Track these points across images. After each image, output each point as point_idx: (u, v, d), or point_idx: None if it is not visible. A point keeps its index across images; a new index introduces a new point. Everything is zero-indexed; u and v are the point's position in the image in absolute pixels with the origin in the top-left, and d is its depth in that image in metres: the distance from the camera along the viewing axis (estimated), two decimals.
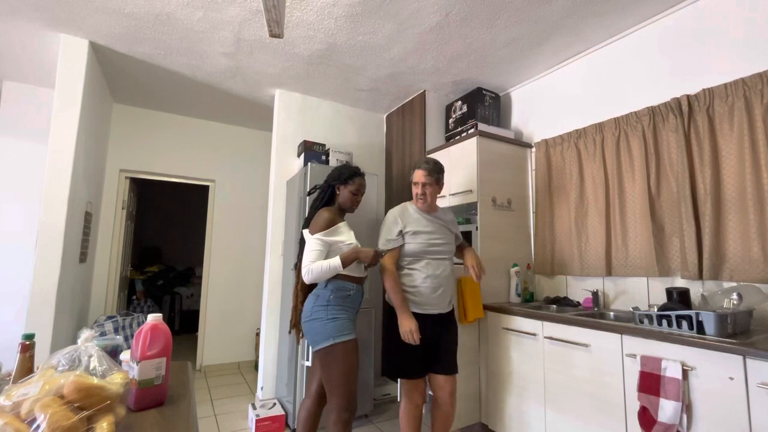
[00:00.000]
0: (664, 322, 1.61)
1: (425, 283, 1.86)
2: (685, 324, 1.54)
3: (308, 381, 1.89)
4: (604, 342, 1.75)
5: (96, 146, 3.01)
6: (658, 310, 1.66)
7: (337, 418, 1.65)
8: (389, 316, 1.92)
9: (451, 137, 2.99)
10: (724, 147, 1.83)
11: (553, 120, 2.70)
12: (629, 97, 2.26)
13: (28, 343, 0.95)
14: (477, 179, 2.51)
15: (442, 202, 2.77)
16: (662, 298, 1.94)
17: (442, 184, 1.97)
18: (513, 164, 2.75)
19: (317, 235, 1.71)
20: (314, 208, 1.88)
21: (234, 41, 2.47)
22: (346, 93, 3.20)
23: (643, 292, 2.12)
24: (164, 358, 0.97)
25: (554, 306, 2.38)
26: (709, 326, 1.47)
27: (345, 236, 1.78)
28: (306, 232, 1.81)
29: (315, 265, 1.65)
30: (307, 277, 1.66)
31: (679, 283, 1.95)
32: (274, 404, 2.64)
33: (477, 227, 2.49)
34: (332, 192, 1.89)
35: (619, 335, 1.69)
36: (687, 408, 1.44)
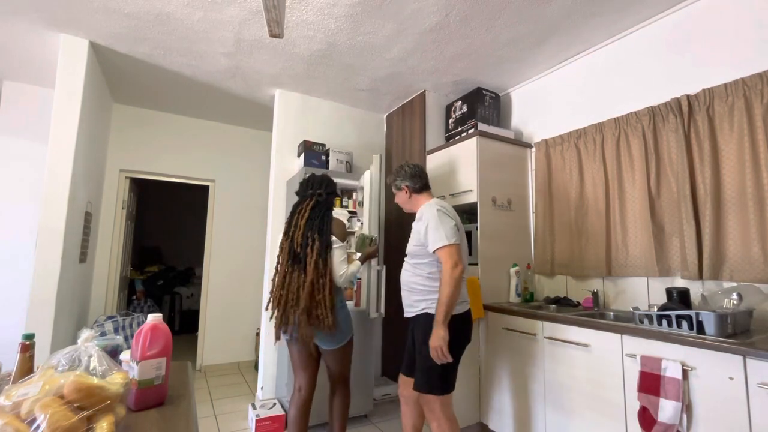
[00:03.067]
0: (664, 322, 1.61)
1: None
2: (685, 324, 1.54)
3: (299, 377, 1.93)
4: (604, 342, 1.75)
5: (96, 146, 3.01)
6: (658, 310, 1.66)
7: (347, 399, 1.97)
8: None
9: (451, 137, 2.99)
10: (724, 147, 1.83)
11: (553, 120, 2.70)
12: (629, 97, 2.26)
13: (28, 343, 0.96)
14: (477, 179, 2.50)
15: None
16: (662, 298, 1.94)
17: (405, 185, 1.90)
18: (513, 164, 2.75)
19: (345, 245, 1.91)
20: (328, 217, 1.92)
21: (234, 41, 2.47)
22: (346, 93, 3.20)
23: (643, 292, 2.11)
24: (164, 358, 0.97)
25: (554, 306, 2.38)
26: (709, 326, 1.47)
27: None
28: (334, 238, 1.88)
29: (350, 272, 1.87)
30: (343, 282, 1.85)
31: (679, 283, 1.95)
32: (274, 404, 2.64)
33: (477, 227, 2.49)
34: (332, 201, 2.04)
35: (619, 335, 1.69)
36: (687, 408, 1.44)
